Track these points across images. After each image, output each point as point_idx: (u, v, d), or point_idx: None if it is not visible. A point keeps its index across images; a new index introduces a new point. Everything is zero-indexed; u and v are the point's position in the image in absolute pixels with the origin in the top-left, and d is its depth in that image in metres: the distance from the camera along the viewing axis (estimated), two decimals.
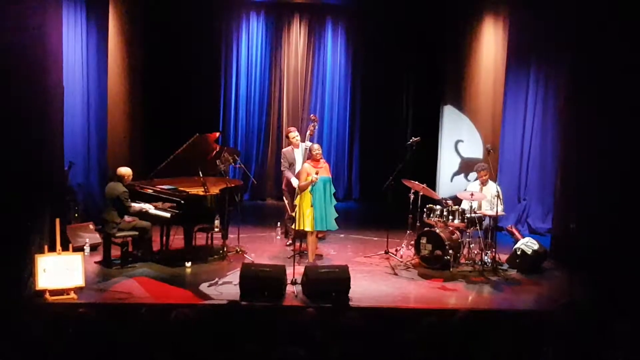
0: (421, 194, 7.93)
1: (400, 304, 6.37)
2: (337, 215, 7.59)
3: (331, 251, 8.27)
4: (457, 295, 6.75)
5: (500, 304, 6.53)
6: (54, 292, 6.03)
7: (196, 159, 7.61)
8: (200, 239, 7.79)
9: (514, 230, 9.08)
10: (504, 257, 7.80)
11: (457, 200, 8.06)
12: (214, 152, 7.81)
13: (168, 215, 7.30)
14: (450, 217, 7.58)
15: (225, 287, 6.64)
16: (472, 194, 7.62)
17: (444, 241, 7.40)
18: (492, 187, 7.84)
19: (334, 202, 7.57)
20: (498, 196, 7.51)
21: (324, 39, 12.03)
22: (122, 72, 9.94)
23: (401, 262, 7.75)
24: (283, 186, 8.52)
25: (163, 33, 10.90)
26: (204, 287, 6.64)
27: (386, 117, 12.05)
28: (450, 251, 7.40)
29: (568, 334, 4.43)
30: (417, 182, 7.87)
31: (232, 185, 7.83)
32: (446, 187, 10.71)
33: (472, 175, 9.30)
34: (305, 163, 7.57)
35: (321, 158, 7.48)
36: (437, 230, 7.50)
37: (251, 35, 11.85)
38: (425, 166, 10.53)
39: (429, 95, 11.45)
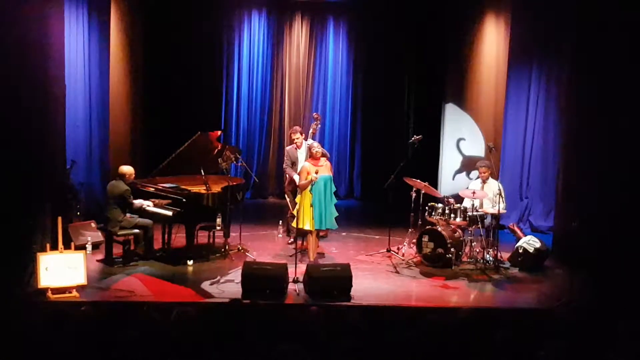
0: (423, 192, 7.92)
1: (402, 302, 6.37)
2: (337, 214, 7.59)
3: (333, 249, 8.27)
4: (459, 293, 6.75)
5: (502, 302, 6.54)
6: (56, 291, 6.04)
7: (198, 157, 7.61)
8: (202, 237, 7.79)
9: (515, 228, 9.04)
10: (505, 255, 7.78)
11: (459, 199, 8.04)
12: (216, 150, 7.80)
13: (170, 213, 7.31)
14: (452, 215, 7.58)
15: (227, 286, 6.65)
16: (473, 192, 7.63)
17: (446, 239, 7.40)
18: (493, 185, 7.84)
19: (335, 200, 7.57)
20: (500, 194, 7.52)
21: (326, 37, 12.01)
22: (124, 70, 9.93)
23: (403, 260, 7.76)
24: (285, 184, 8.52)
25: (165, 31, 10.90)
26: (205, 285, 6.65)
27: (388, 116, 12.03)
28: (452, 249, 7.40)
29: (569, 333, 4.43)
30: (419, 180, 7.87)
31: (234, 183, 7.83)
32: (448, 185, 10.69)
33: (474, 173, 9.30)
34: (306, 162, 7.56)
35: (321, 156, 7.48)
36: (439, 229, 7.50)
37: (253, 33, 11.82)
38: (427, 164, 10.52)
39: (431, 93, 11.43)
